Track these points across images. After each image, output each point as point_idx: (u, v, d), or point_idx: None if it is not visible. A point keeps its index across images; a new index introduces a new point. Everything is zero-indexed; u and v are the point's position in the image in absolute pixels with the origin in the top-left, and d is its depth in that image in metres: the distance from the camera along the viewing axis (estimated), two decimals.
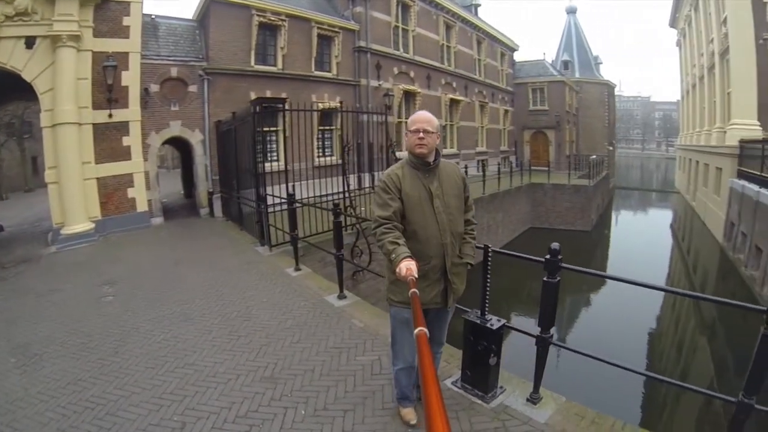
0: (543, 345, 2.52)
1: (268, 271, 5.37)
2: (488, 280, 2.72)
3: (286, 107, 7.58)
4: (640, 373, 3.03)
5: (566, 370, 5.43)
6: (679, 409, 6.16)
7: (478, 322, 2.63)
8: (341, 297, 4.22)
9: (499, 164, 17.76)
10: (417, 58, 15.03)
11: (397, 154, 8.96)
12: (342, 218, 4.26)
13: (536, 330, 2.52)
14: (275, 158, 10.14)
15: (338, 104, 10.05)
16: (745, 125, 12.25)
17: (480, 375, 2.71)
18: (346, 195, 6.35)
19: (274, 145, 10.51)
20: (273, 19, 10.58)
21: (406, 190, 2.08)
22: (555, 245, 2.37)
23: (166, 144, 10.77)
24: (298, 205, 5.18)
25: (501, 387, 2.76)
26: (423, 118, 2.10)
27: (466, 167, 10.83)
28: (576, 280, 10.80)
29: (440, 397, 0.72)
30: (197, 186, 10.38)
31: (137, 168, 8.74)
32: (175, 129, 9.70)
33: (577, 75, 26.86)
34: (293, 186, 5.72)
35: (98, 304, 4.41)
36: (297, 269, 5.28)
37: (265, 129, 6.34)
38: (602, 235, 17.33)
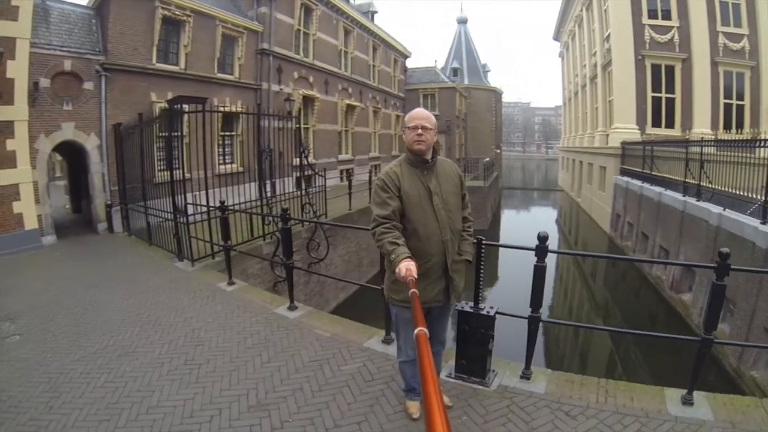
0: (534, 323, 2.87)
1: (200, 288, 4.86)
2: (481, 272, 2.96)
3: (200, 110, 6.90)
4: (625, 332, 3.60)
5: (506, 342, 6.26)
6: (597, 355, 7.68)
7: (473, 311, 2.88)
8: (292, 308, 4.10)
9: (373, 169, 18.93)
10: (317, 63, 15.62)
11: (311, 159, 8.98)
12: (277, 224, 4.10)
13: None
14: (176, 166, 9.28)
15: (240, 109, 9.84)
16: (626, 129, 15.52)
17: (477, 362, 2.96)
18: (266, 201, 6.19)
19: (176, 152, 9.64)
20: (178, 13, 10.19)
21: (405, 188, 2.14)
22: (543, 233, 2.74)
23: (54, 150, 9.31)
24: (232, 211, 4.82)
25: (493, 371, 3.00)
26: (421, 114, 2.18)
27: (349, 174, 11.50)
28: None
29: (440, 397, 0.75)
30: (93, 198, 9.37)
31: (24, 177, 7.71)
32: (68, 132, 8.68)
33: (466, 82, 30.14)
34: (197, 195, 5.40)
35: (1, 348, 3.56)
36: (231, 283, 4.92)
37: (170, 134, 5.71)
38: (497, 232, 19.79)
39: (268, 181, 7.53)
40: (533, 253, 2.75)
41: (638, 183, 12.26)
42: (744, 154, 7.59)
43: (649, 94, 15.37)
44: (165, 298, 4.60)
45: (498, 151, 32.72)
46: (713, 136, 9.56)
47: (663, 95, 15.37)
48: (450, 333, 2.34)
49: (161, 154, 6.49)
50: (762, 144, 6.91)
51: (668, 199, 10.11)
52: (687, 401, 2.71)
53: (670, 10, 15.16)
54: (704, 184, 8.61)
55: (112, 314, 4.21)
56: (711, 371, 6.85)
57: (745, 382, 6.14)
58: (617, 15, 15.47)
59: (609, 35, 16.38)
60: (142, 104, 9.13)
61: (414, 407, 2.53)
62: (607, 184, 16.01)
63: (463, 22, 33.77)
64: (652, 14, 15.24)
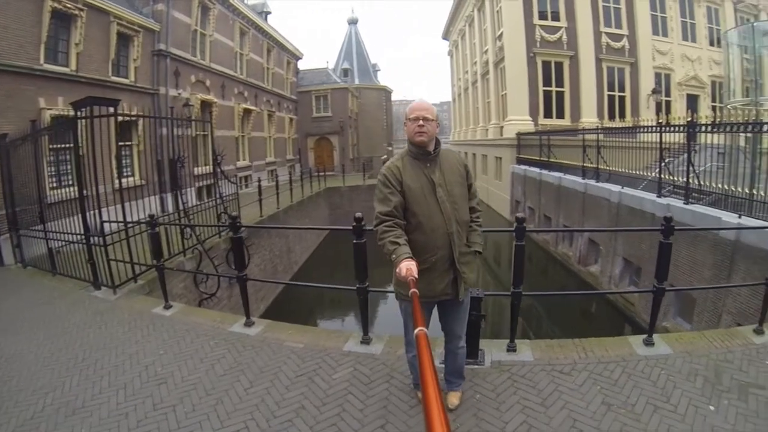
0: (517, 298, 3.26)
1: (132, 317, 4.32)
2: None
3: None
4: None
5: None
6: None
7: None
8: (249, 324, 3.94)
9: (290, 173, 19.66)
10: (214, 65, 15.49)
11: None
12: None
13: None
14: (70, 182, 8.08)
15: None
16: (520, 120, 17.58)
17: (470, 344, 3.20)
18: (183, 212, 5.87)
19: (69, 166, 8.35)
20: (69, 6, 9.49)
21: (407, 182, 2.22)
22: (521, 215, 3.22)
23: None
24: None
25: (481, 349, 3.30)
26: (422, 106, 2.27)
27: (259, 180, 11.73)
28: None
29: (440, 397, 0.80)
30: None
31: None
32: None
33: (357, 82, 31.66)
34: (94, 214, 4.92)
35: None
36: (168, 307, 4.48)
37: (60, 146, 5.03)
38: None
39: (169, 193, 6.99)
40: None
41: (536, 170, 14.06)
42: (631, 139, 9.46)
43: (541, 88, 17.81)
44: (95, 335, 3.96)
45: (390, 148, 34.72)
46: (599, 125, 11.56)
47: (553, 89, 17.95)
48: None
49: (62, 167, 5.51)
50: (649, 130, 8.61)
51: (568, 182, 11.84)
52: (649, 343, 3.39)
53: (559, 11, 17.81)
54: (602, 167, 10.31)
55: (37, 365, 3.48)
56: (628, 327, 8.31)
57: (658, 332, 7.53)
58: (510, 16, 17.63)
59: (501, 34, 18.54)
60: (27, 112, 8.19)
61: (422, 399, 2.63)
62: (504, 173, 18.01)
63: (353, 22, 35.31)
64: (543, 15, 17.73)
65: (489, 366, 3.14)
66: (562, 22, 17.67)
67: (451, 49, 34.02)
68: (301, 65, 27.15)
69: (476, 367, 3.12)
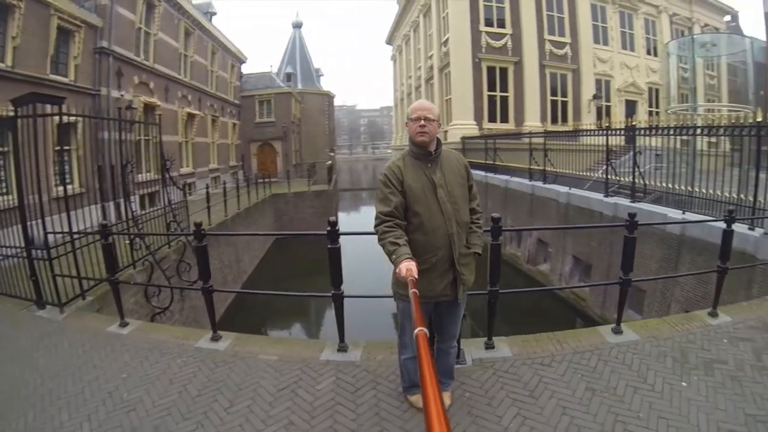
0: (494, 296, 3.41)
1: (86, 338, 3.98)
2: None
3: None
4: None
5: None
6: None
7: None
8: (216, 338, 3.80)
9: (237, 180, 19.21)
10: (158, 66, 15.08)
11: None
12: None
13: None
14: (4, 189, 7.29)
15: (77, 118, 8.52)
16: (465, 124, 18.35)
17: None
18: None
19: (3, 172, 7.52)
20: None
21: (408, 182, 2.27)
22: (495, 215, 3.35)
23: None
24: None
25: (461, 349, 3.40)
26: (423, 106, 2.33)
27: (207, 186, 11.55)
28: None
29: (440, 397, 0.82)
30: None
31: None
32: None
33: (300, 86, 32.03)
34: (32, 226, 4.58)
35: None
36: (123, 324, 4.20)
37: (17, 145, 4.61)
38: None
39: (112, 202, 6.63)
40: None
41: (482, 173, 14.69)
42: (575, 143, 10.18)
43: (485, 92, 18.76)
44: (46, 361, 3.58)
45: (332, 154, 35.19)
46: (545, 129, 12.32)
47: (498, 94, 18.95)
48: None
49: None
50: (596, 133, 9.34)
51: (516, 185, 12.46)
52: (617, 331, 3.67)
53: (505, 19, 18.91)
54: (549, 169, 10.93)
55: None
56: (580, 321, 8.83)
57: (610, 323, 8.07)
58: (456, 22, 18.42)
59: (447, 40, 19.35)
60: None
61: (421, 399, 2.67)
62: None
63: (298, 26, 35.56)
64: (489, 22, 18.73)
65: (471, 364, 3.23)
66: (508, 29, 18.78)
67: (394, 54, 35.07)
68: (245, 69, 27.14)
69: (459, 366, 3.18)
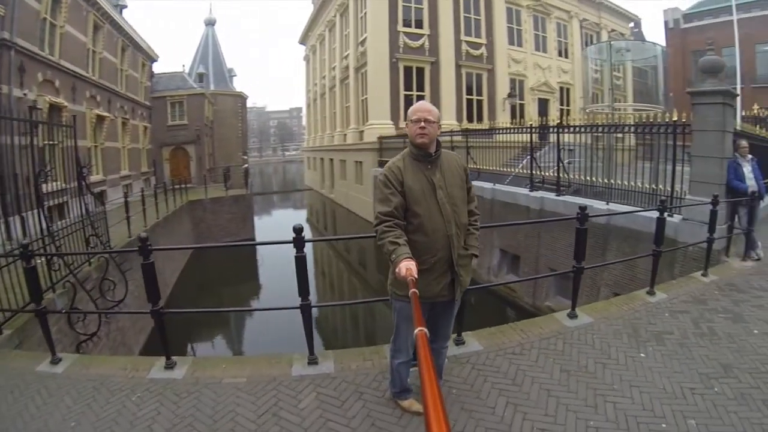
0: (465, 293, 3.58)
1: (13, 382, 3.29)
2: None
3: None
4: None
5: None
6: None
7: None
8: (171, 365, 3.48)
9: (150, 187, 18.61)
10: (64, 63, 13.56)
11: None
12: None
13: None
14: None
15: None
16: (381, 124, 18.80)
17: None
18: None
19: None
20: None
21: (408, 183, 2.33)
22: (298, 225, 3.41)
23: None
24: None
25: None
26: (424, 107, 2.39)
27: (125, 195, 11.05)
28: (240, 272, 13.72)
29: (440, 397, 0.83)
30: None
31: None
32: None
33: (212, 87, 30.98)
34: None
35: None
36: (56, 360, 3.65)
37: None
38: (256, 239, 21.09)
39: (17, 215, 5.85)
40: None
41: None
42: (492, 140, 10.93)
43: (402, 92, 19.41)
44: None
45: (245, 157, 34.66)
46: (461, 127, 12.98)
47: (414, 93, 19.68)
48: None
49: None
50: (522, 130, 10.09)
51: None
52: (573, 316, 4.07)
53: (423, 20, 19.70)
54: (471, 165, 11.59)
55: None
56: (511, 311, 9.44)
57: (543, 312, 8.78)
58: (375, 22, 18.83)
59: (365, 39, 19.72)
60: None
61: (414, 404, 2.73)
62: (366, 177, 19.13)
63: (211, 23, 34.24)
64: (407, 23, 19.39)
65: (447, 362, 3.34)
66: (426, 30, 19.64)
67: (308, 54, 35.02)
68: (156, 68, 25.66)
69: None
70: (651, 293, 4.50)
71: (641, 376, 3.02)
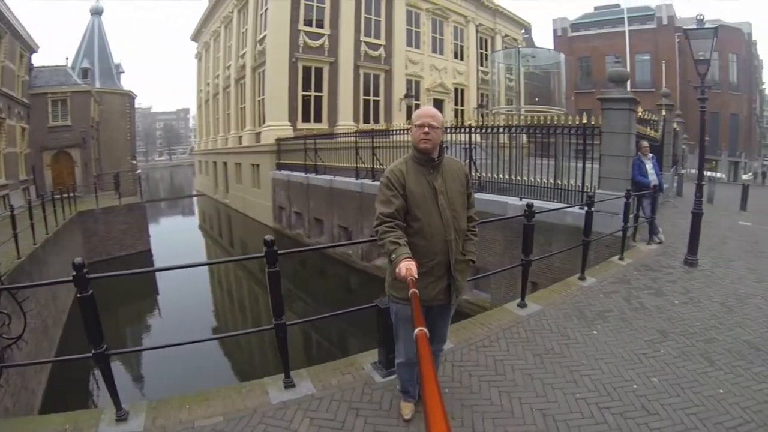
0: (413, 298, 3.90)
1: None
2: None
3: None
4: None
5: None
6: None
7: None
8: (122, 417, 3.07)
9: (28, 199, 16.06)
10: None
11: None
12: None
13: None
14: None
15: None
16: (279, 126, 18.79)
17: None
18: None
19: None
20: None
21: (410, 186, 2.47)
22: (269, 237, 3.39)
23: None
24: None
25: None
26: (428, 112, 2.51)
27: (11, 209, 9.43)
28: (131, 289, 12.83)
29: (440, 397, 0.89)
30: None
31: None
32: None
33: (98, 84, 28.20)
34: None
35: None
36: None
37: None
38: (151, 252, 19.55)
39: None
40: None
41: (302, 174, 15.47)
42: (389, 140, 11.45)
43: (300, 93, 19.59)
44: None
45: (134, 162, 32.16)
46: (356, 128, 13.35)
47: (312, 94, 20.02)
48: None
49: None
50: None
51: (342, 184, 13.36)
52: (523, 305, 4.67)
53: (324, 19, 19.99)
54: (377, 167, 11.99)
55: None
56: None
57: (461, 306, 9.48)
58: (276, 19, 18.65)
59: (264, 38, 19.53)
60: None
61: (407, 408, 2.90)
62: (264, 180, 19.25)
63: (97, 13, 30.68)
64: (308, 22, 19.51)
65: None
66: (326, 30, 19.99)
67: (200, 52, 33.57)
68: (35, 61, 22.46)
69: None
70: (582, 278, 5.32)
71: (600, 349, 3.65)
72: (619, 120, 7.00)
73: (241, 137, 22.60)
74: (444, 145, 10.32)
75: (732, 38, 29.02)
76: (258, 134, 20.01)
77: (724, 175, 29.68)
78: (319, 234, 14.91)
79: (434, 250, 2.47)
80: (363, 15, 21.12)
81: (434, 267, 2.48)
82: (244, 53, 21.89)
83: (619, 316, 4.26)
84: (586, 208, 5.34)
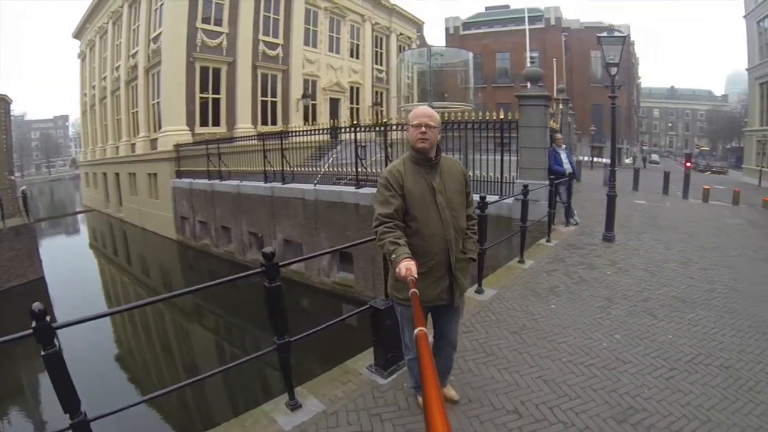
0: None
1: None
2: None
3: None
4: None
5: None
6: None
7: (390, 304, 3.37)
8: None
9: None
10: None
11: None
12: None
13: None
14: None
15: None
16: (177, 131, 17.76)
17: (398, 347, 3.46)
18: None
19: None
20: None
21: (408, 186, 2.50)
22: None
23: None
24: None
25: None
26: (425, 112, 2.55)
27: None
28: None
29: (440, 397, 0.93)
30: None
31: None
32: None
33: None
34: None
35: None
36: None
37: None
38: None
39: None
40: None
41: (206, 181, 14.94)
42: (277, 142, 11.56)
43: (198, 95, 18.69)
44: None
45: (13, 178, 27.87)
46: (254, 131, 13.12)
47: (210, 96, 19.21)
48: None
49: None
50: (346, 131, 10.85)
51: (250, 189, 13.05)
52: (480, 291, 5.09)
53: (222, 17, 19.11)
54: (287, 169, 12.00)
55: None
56: (349, 306, 9.59)
57: (332, 285, 10.03)
58: (172, 15, 17.41)
59: (160, 35, 18.13)
60: None
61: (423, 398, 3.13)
62: (162, 190, 18.29)
63: None
64: (206, 19, 18.51)
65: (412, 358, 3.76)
66: (224, 28, 19.18)
67: (83, 51, 30.02)
68: None
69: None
70: (522, 261, 6.02)
71: (564, 319, 4.28)
72: (535, 115, 7.79)
73: (134, 145, 20.90)
74: (362, 144, 10.38)
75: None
76: (154, 141, 18.72)
77: (609, 161, 34.08)
78: (227, 243, 14.42)
79: (434, 250, 2.51)
80: (262, 13, 20.64)
81: (434, 267, 2.53)
82: (136, 52, 20.19)
83: (567, 290, 4.99)
84: (522, 197, 6.02)
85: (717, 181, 25.20)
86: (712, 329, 4.13)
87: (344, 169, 11.14)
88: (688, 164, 24.51)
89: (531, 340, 3.91)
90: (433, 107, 13.37)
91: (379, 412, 2.98)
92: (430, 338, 2.84)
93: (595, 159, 31.07)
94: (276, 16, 21.59)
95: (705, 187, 14.46)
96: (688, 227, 9.14)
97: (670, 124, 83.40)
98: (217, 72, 19.22)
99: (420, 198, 2.49)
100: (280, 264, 2.96)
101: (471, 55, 15.74)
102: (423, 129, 2.48)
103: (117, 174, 23.34)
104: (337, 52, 25.82)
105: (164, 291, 13.74)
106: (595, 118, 36.55)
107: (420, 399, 2.92)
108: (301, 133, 11.56)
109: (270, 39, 21.25)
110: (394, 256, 2.23)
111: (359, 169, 10.16)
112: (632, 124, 43.35)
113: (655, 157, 55.60)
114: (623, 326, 4.12)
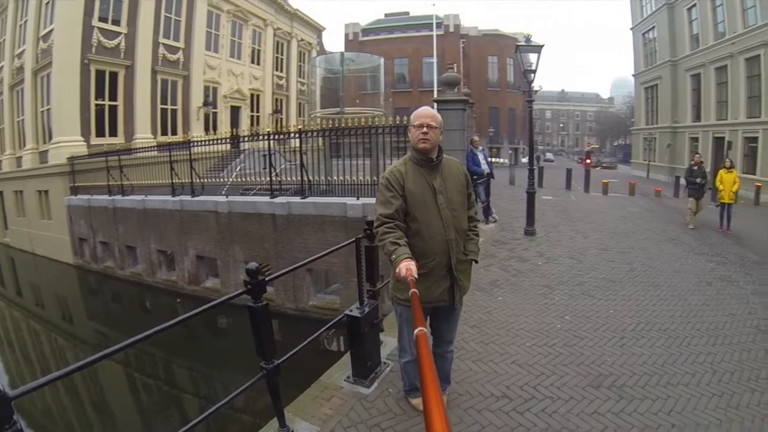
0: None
1: None
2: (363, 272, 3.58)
3: None
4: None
5: None
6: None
7: (366, 310, 3.38)
8: None
9: None
10: None
11: None
12: None
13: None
14: None
15: None
16: (71, 142, 15.83)
17: (375, 355, 3.57)
18: None
19: None
20: None
21: (409, 187, 2.50)
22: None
23: None
24: None
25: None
26: (426, 113, 2.55)
27: None
28: None
29: (440, 397, 0.93)
30: None
31: None
32: None
33: None
34: None
35: None
36: None
37: None
38: None
39: None
40: None
41: (106, 197, 13.59)
42: (183, 152, 11.00)
43: (93, 101, 16.85)
44: None
45: None
46: (153, 141, 12.30)
47: (106, 103, 17.41)
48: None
49: None
50: (262, 138, 10.25)
51: (157, 203, 11.95)
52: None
53: (121, 16, 17.26)
54: (196, 180, 11.33)
55: None
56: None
57: (311, 312, 9.16)
58: (66, 11, 15.33)
59: (51, 33, 15.92)
60: None
61: (422, 403, 3.17)
62: (55, 209, 16.39)
63: None
64: (104, 18, 16.57)
65: (395, 363, 3.51)
66: (123, 28, 17.43)
67: None
68: None
69: (389, 371, 3.53)
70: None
71: (514, 309, 4.73)
72: (454, 118, 7.96)
73: (20, 158, 18.26)
74: (243, 153, 10.13)
75: (510, 45, 33.46)
76: (44, 153, 16.56)
77: (506, 160, 36.55)
78: (133, 263, 13.03)
79: (434, 251, 2.51)
80: (163, 13, 19.12)
81: (435, 267, 2.52)
82: (23, 52, 17.63)
83: (508, 282, 5.49)
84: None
85: (609, 175, 28.19)
86: (643, 301, 4.94)
87: (250, 179, 10.87)
88: (588, 161, 27.67)
89: (492, 331, 4.26)
90: (344, 113, 13.52)
91: (376, 423, 2.92)
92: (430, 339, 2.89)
93: (493, 159, 33.28)
94: (177, 18, 20.15)
95: (604, 181, 16.49)
96: (596, 217, 10.35)
97: (561, 125, 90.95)
98: (114, 76, 17.42)
99: (421, 198, 2.51)
100: (266, 279, 2.65)
101: (383, 60, 16.15)
102: (425, 129, 2.49)
103: (1, 192, 20.28)
104: (239, 57, 24.83)
105: (63, 323, 12.14)
106: (492, 120, 39.23)
107: (413, 401, 3.01)
108: (209, 142, 10.96)
109: (171, 42, 19.83)
110: (394, 256, 2.25)
111: (272, 178, 9.79)
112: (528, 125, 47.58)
113: (549, 155, 59.08)
114: (569, 308, 4.68)
